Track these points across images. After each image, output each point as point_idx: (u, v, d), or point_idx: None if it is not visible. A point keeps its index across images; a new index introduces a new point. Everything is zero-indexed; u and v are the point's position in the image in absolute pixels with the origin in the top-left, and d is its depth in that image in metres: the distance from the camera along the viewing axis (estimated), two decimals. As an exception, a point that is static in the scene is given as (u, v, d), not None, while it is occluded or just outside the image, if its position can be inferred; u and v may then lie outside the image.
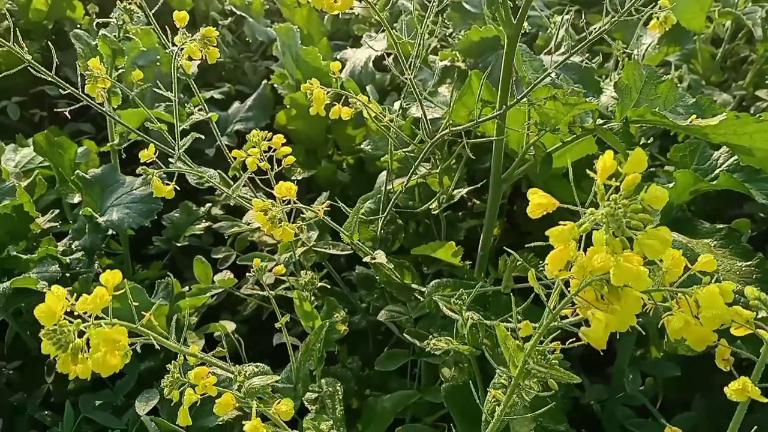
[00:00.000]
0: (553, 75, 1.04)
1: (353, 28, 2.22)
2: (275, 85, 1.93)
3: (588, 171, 0.54)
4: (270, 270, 1.54)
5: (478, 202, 1.47)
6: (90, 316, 0.66)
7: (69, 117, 2.15)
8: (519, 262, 1.05)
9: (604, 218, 0.52)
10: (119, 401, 1.26)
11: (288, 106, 1.77)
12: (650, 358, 1.34)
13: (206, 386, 0.74)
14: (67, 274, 1.32)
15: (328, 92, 1.00)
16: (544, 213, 0.56)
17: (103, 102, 1.08)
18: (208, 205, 1.90)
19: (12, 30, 0.96)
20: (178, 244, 1.77)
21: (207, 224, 1.82)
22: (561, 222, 0.54)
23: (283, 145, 1.01)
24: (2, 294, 1.14)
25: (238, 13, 2.20)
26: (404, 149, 1.19)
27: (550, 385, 0.67)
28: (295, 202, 0.88)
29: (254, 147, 1.01)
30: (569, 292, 0.61)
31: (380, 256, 1.04)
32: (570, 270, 0.57)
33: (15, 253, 1.28)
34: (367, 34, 1.75)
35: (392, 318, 1.20)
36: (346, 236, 1.06)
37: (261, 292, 1.51)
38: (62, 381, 1.37)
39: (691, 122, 0.96)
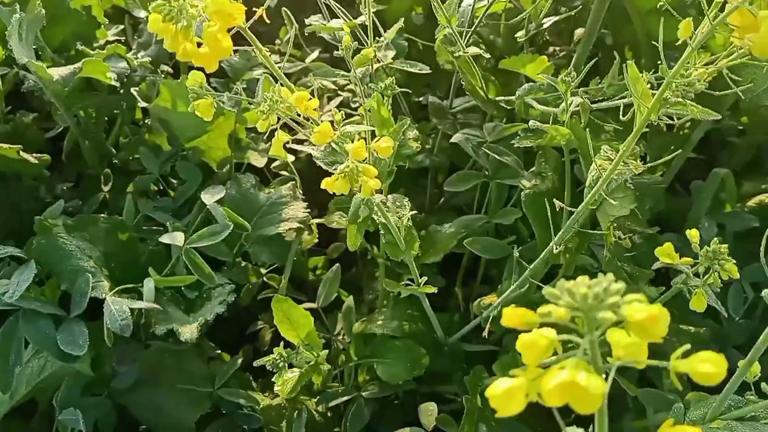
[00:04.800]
0: None
1: None
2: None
3: None
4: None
5: (559, 48, 1.39)
6: None
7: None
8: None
9: None
10: (177, 207, 1.24)
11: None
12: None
13: (308, 109, 0.69)
14: (135, 77, 1.29)
15: None
16: None
17: None
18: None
19: None
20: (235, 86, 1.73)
21: (265, 71, 1.78)
22: None
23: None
24: (72, 74, 1.10)
25: None
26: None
27: (691, 113, 0.62)
28: None
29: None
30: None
31: (473, 49, 0.99)
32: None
33: (82, 47, 1.24)
34: None
35: (467, 140, 1.16)
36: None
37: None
38: (120, 191, 1.35)
39: None
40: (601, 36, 1.42)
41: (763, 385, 0.75)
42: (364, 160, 0.70)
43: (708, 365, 0.38)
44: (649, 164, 0.74)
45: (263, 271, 1.32)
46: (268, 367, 0.95)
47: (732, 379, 0.73)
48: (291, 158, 1.42)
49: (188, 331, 0.95)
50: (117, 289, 0.97)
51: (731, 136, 1.57)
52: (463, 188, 1.16)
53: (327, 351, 1.07)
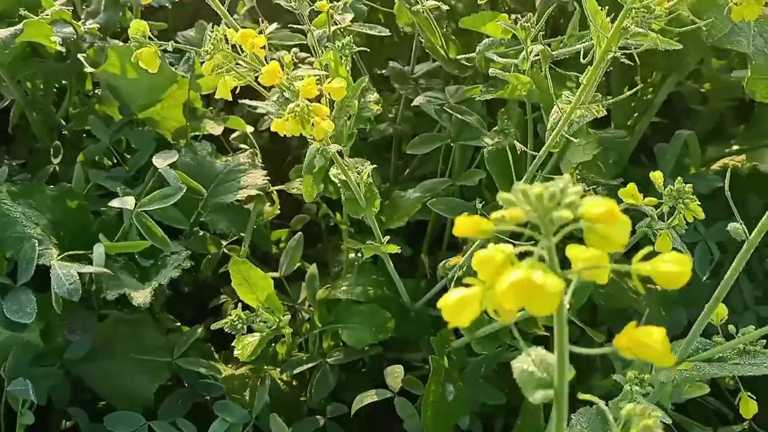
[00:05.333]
0: None
1: None
2: None
3: None
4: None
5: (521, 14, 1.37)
6: None
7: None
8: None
9: None
10: (130, 177, 1.20)
11: None
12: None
13: (254, 46, 0.66)
14: (83, 45, 1.24)
15: None
16: None
17: None
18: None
19: None
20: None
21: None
22: None
23: None
24: (13, 35, 1.05)
25: None
26: None
27: (651, 41, 0.60)
28: None
29: None
30: None
31: (431, 2, 0.96)
32: None
33: (25, 13, 1.19)
34: None
35: (429, 102, 1.13)
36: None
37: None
38: (70, 163, 1.30)
39: None
40: (563, 5, 1.41)
41: (730, 327, 0.74)
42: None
43: (671, 264, 0.36)
44: (607, 101, 0.72)
45: (224, 243, 1.28)
46: (226, 330, 0.91)
47: (698, 321, 0.72)
48: (250, 129, 1.38)
49: (141, 296, 0.91)
50: (65, 254, 0.93)
51: (694, 103, 1.58)
52: (426, 150, 1.13)
53: (290, 316, 1.03)
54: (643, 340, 0.34)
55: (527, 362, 0.42)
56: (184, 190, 0.97)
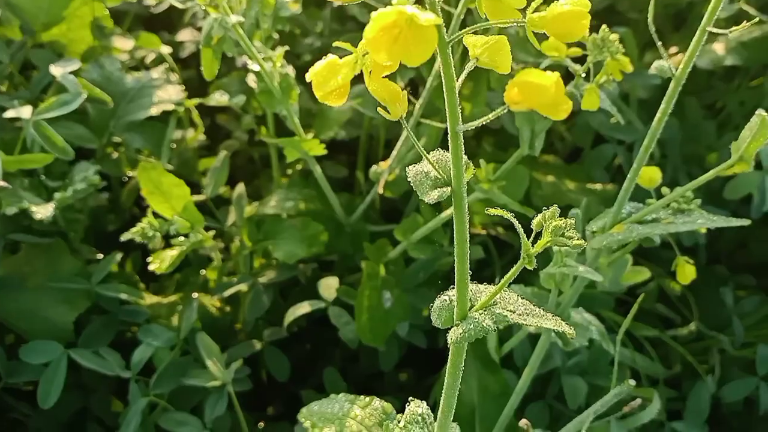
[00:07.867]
0: None
1: None
2: None
3: None
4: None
5: None
6: None
7: None
8: None
9: None
10: (34, 99, 1.10)
11: None
12: None
13: None
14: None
15: None
16: None
17: None
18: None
19: None
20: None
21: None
22: None
23: None
24: None
25: None
26: None
27: None
28: None
29: None
30: None
31: None
32: None
33: None
34: None
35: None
36: None
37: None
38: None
39: None
40: None
41: (664, 189, 0.71)
42: None
43: (569, 4, 0.31)
44: None
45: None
46: (137, 240, 0.85)
47: (625, 185, 0.69)
48: (167, 50, 1.30)
49: (43, 210, 0.84)
50: (-44, 172, 0.84)
51: (632, 12, 1.55)
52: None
53: (214, 232, 0.97)
54: (535, 80, 0.29)
55: (424, 165, 0.37)
56: (85, 96, 0.88)
